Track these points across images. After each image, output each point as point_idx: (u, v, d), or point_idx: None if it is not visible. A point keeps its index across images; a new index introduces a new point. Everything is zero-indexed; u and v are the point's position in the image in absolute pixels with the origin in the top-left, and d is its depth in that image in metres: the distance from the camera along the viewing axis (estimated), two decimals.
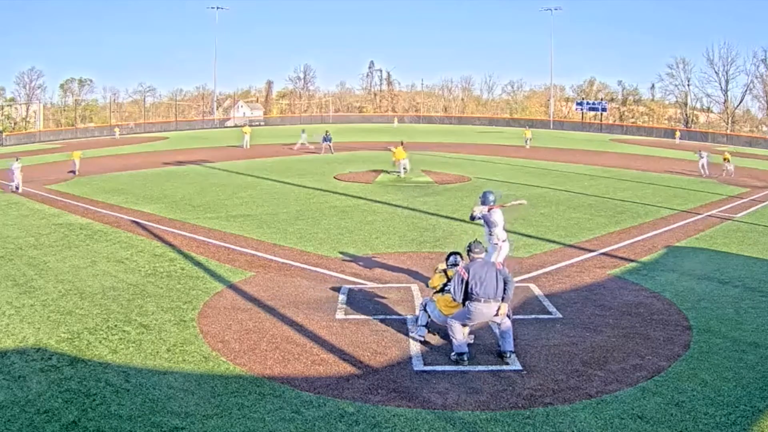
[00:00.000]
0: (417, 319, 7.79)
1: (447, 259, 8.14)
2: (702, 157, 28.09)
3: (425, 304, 7.73)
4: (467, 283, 6.95)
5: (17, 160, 22.19)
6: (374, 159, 30.28)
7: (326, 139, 35.50)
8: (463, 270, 7.08)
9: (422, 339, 7.49)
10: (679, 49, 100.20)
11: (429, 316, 7.66)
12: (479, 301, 6.92)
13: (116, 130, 58.82)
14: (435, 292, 7.84)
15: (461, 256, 8.12)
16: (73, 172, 26.13)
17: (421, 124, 75.60)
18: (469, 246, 7.44)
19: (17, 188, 21.01)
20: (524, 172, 26.54)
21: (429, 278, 8.37)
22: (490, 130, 65.40)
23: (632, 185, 22.89)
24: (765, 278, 10.37)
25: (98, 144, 46.30)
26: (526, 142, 41.09)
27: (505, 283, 6.98)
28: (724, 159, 27.95)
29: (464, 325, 7.12)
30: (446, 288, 7.71)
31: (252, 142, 40.30)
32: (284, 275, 10.39)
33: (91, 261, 11.27)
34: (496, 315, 6.98)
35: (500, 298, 6.96)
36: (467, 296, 6.99)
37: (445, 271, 7.94)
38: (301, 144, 37.58)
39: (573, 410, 5.74)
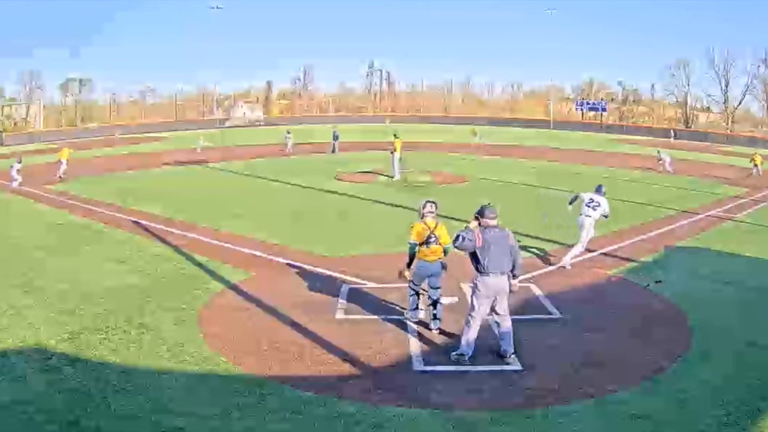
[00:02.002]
0: (409, 306, 8.04)
1: (423, 207, 7.78)
2: (661, 158, 29.36)
3: (411, 279, 7.87)
4: (474, 253, 6.66)
5: (19, 161, 22.60)
6: (374, 159, 30.28)
7: (335, 137, 35.18)
8: (479, 235, 6.65)
9: (416, 320, 7.82)
10: (679, 50, 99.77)
11: (419, 298, 7.91)
12: (488, 275, 6.68)
13: (116, 130, 58.50)
14: (420, 245, 7.61)
15: (436, 205, 7.87)
16: (60, 176, 23.93)
17: (421, 124, 75.54)
18: (481, 211, 6.80)
19: (12, 184, 21.58)
20: (524, 172, 26.54)
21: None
22: (490, 130, 65.29)
23: (632, 185, 22.89)
24: (765, 278, 10.37)
25: (99, 144, 46.28)
26: (478, 139, 40.26)
27: (514, 257, 6.82)
28: (753, 162, 27.17)
29: (476, 316, 6.85)
30: (430, 240, 7.59)
31: (251, 142, 40.35)
32: (284, 275, 10.39)
33: (91, 261, 11.27)
34: (511, 291, 6.91)
35: (509, 272, 6.80)
36: (476, 268, 6.78)
37: (422, 217, 7.66)
38: (291, 146, 35.93)
39: (573, 410, 5.74)
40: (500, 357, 6.93)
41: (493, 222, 6.80)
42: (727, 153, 42.68)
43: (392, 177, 23.30)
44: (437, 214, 7.93)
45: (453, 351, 6.97)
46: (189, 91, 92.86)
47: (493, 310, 6.95)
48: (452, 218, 15.61)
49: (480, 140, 40.23)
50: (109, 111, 79.07)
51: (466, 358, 6.85)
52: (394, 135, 23.96)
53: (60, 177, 23.80)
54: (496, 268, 6.70)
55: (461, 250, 6.79)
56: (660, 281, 9.16)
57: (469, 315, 6.93)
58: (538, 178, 24.43)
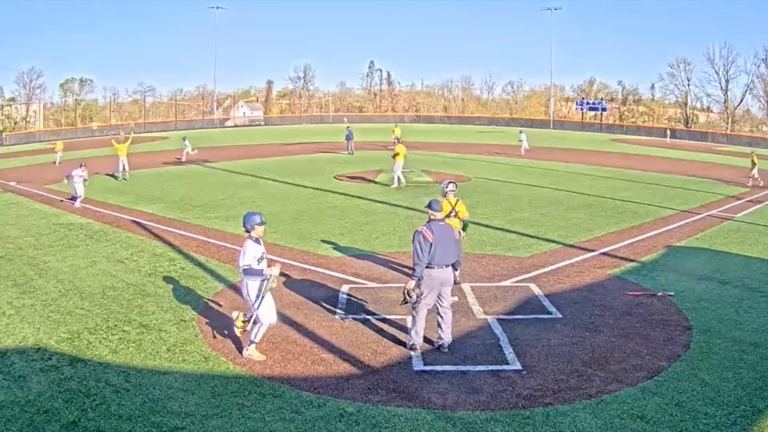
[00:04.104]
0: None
1: (446, 186, 9.51)
2: (521, 140, 34.51)
3: None
4: (431, 245, 6.87)
5: (81, 166, 18.44)
6: (375, 159, 30.30)
7: (348, 136, 34.30)
8: (427, 231, 6.92)
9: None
10: (680, 49, 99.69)
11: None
12: (433, 267, 6.89)
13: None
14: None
15: (456, 185, 9.48)
16: (114, 176, 23.66)
17: (421, 124, 75.60)
18: (430, 204, 7.28)
19: (74, 199, 17.81)
20: (524, 172, 26.54)
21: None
22: (490, 130, 65.38)
23: (632, 185, 22.89)
24: (765, 278, 10.37)
25: (102, 144, 46.22)
26: (396, 139, 39.64)
27: (458, 250, 7.11)
28: (753, 163, 25.02)
29: (422, 308, 7.02)
30: (452, 214, 9.24)
31: (252, 141, 40.27)
32: (284, 275, 10.39)
33: (91, 261, 11.27)
34: (455, 283, 7.15)
35: (451, 265, 7.03)
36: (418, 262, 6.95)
37: (445, 195, 9.40)
38: (188, 153, 30.91)
39: (573, 410, 5.74)
40: (437, 348, 7.09)
41: (440, 215, 7.20)
42: (727, 153, 42.68)
43: (389, 185, 21.33)
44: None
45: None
46: (189, 91, 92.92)
47: (438, 302, 7.11)
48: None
49: (394, 139, 39.40)
50: (109, 111, 78.97)
51: (417, 347, 7.03)
52: (396, 139, 22.74)
53: (125, 178, 23.11)
54: (441, 261, 6.91)
55: (421, 256, 6.89)
56: (671, 294, 9.23)
57: (414, 306, 7.06)
58: (537, 177, 24.43)
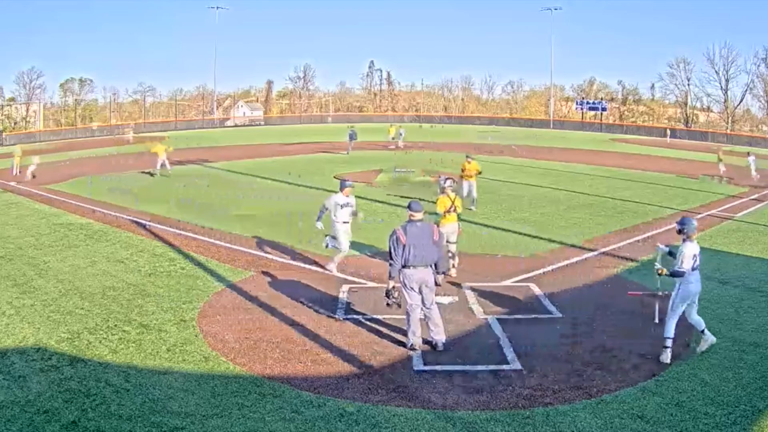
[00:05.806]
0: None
1: (444, 182, 10.19)
2: (400, 134, 38.51)
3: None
4: (404, 247, 6.96)
5: (347, 183, 11.23)
6: (374, 159, 30.28)
7: (351, 136, 33.96)
8: (401, 233, 7.03)
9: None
10: (680, 49, 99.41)
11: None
12: (409, 268, 6.99)
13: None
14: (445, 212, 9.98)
15: (454, 180, 10.44)
16: (150, 173, 24.75)
17: (421, 123, 75.56)
18: (409, 205, 7.38)
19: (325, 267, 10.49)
20: (525, 172, 26.54)
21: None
22: (490, 130, 65.36)
23: (632, 185, 22.89)
24: (765, 278, 10.37)
25: (103, 143, 46.21)
26: (392, 138, 39.08)
27: (437, 251, 7.11)
28: (719, 159, 26.55)
29: (411, 308, 7.13)
30: (451, 210, 10.01)
31: (252, 141, 40.17)
32: (284, 275, 10.40)
33: (91, 261, 11.27)
34: (437, 285, 7.19)
35: (431, 265, 7.08)
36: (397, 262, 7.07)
37: (444, 191, 10.16)
38: (31, 173, 24.31)
39: (573, 410, 5.74)
40: (432, 348, 7.13)
41: (419, 216, 7.22)
42: (727, 153, 42.62)
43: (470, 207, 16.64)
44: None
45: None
46: (189, 91, 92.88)
47: (421, 302, 7.18)
48: None
49: (394, 139, 39.06)
50: (109, 111, 78.95)
51: (417, 348, 7.07)
52: (467, 157, 18.31)
53: (164, 175, 24.18)
54: (417, 261, 6.98)
55: (395, 258, 7.06)
56: (668, 293, 9.25)
57: (408, 309, 7.19)
58: (538, 177, 24.43)
